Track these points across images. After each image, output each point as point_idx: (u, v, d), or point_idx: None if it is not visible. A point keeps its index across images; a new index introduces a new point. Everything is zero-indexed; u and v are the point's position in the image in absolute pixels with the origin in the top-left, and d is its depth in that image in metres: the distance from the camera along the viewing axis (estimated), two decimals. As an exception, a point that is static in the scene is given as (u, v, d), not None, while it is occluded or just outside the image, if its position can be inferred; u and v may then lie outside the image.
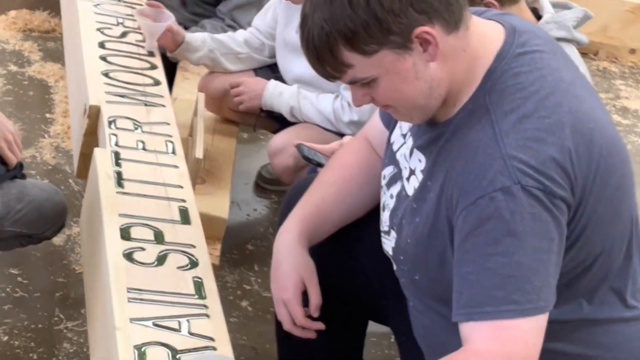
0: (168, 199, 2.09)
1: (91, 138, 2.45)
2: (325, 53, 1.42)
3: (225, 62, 3.04)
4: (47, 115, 3.42)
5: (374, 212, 1.82)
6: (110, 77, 2.59)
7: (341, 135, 2.83)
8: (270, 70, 3.07)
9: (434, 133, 1.53)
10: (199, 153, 2.49)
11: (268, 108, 2.91)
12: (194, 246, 1.95)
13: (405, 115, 1.52)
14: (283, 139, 2.79)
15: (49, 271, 2.58)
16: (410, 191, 1.59)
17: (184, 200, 2.10)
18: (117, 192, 2.06)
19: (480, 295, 1.39)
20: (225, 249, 2.78)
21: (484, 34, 1.48)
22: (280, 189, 3.32)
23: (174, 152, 2.30)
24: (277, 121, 2.96)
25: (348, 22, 1.39)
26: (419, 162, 1.57)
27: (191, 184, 2.24)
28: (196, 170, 2.48)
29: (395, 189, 1.65)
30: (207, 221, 2.57)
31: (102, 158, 2.18)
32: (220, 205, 2.65)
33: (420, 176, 1.56)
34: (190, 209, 2.08)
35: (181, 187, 2.16)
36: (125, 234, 1.92)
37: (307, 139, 2.76)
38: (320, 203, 1.77)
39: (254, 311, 2.67)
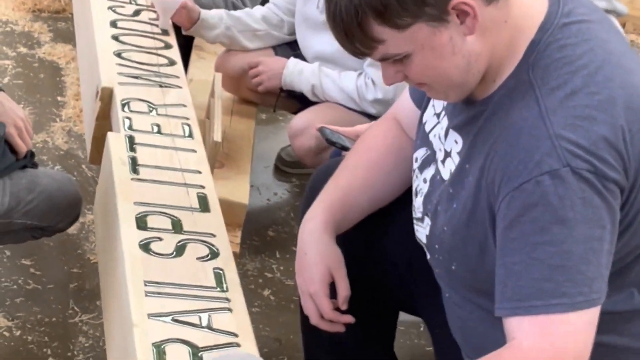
0: (186, 185, 2.01)
1: (104, 122, 2.37)
2: (354, 28, 1.33)
3: (243, 39, 2.95)
4: (59, 98, 3.34)
5: (403, 197, 1.73)
6: (123, 58, 2.51)
7: (366, 114, 2.74)
8: (290, 48, 2.98)
9: (472, 112, 1.43)
10: (217, 136, 2.41)
11: (288, 87, 2.82)
12: (214, 235, 1.87)
13: (440, 93, 1.43)
14: (304, 120, 2.70)
15: (63, 261, 2.50)
16: (446, 175, 1.50)
17: (202, 187, 2.02)
18: (132, 179, 1.98)
19: (527, 287, 1.30)
20: (245, 236, 2.70)
21: (526, 3, 1.38)
22: (301, 172, 3.24)
23: (191, 136, 2.21)
24: (298, 101, 2.87)
25: None
26: (455, 143, 1.47)
27: (210, 168, 2.16)
28: (215, 154, 2.40)
29: (429, 173, 1.55)
30: (227, 207, 2.49)
31: (115, 143, 2.10)
32: (240, 191, 2.57)
33: (456, 159, 1.47)
34: (210, 196, 1.99)
35: (199, 172, 2.07)
36: (141, 223, 1.84)
37: (330, 119, 2.68)
38: (347, 189, 1.68)
39: (276, 300, 2.59)
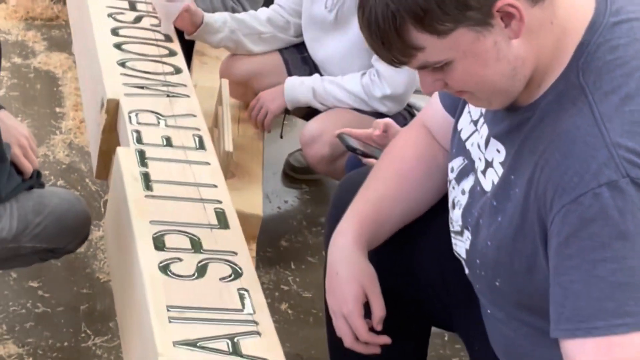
0: (202, 200, 1.93)
1: (110, 135, 2.29)
2: (392, 36, 1.26)
3: (248, 43, 2.88)
4: (57, 109, 3.26)
5: (435, 207, 1.67)
6: (127, 67, 2.43)
7: (379, 114, 2.67)
8: (297, 50, 2.91)
9: (516, 119, 1.36)
10: (228, 146, 2.34)
11: (293, 103, 2.75)
12: (235, 253, 1.79)
13: (483, 101, 1.35)
14: (317, 127, 2.63)
15: (72, 282, 2.42)
16: (487, 186, 1.43)
17: (219, 202, 1.94)
18: (146, 196, 1.90)
19: (587, 307, 1.23)
20: (258, 247, 2.62)
21: (572, 3, 1.31)
22: (311, 178, 3.17)
23: (203, 147, 2.13)
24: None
25: None
26: (497, 153, 1.40)
27: (223, 177, 2.08)
28: (227, 164, 2.33)
29: (468, 184, 1.48)
30: (241, 219, 2.38)
31: (126, 158, 2.02)
32: (253, 201, 2.49)
33: (499, 169, 1.40)
34: (228, 211, 1.92)
35: (215, 186, 2.00)
36: (159, 244, 1.77)
37: (343, 124, 2.60)
38: (378, 202, 1.61)
39: (294, 314, 2.52)
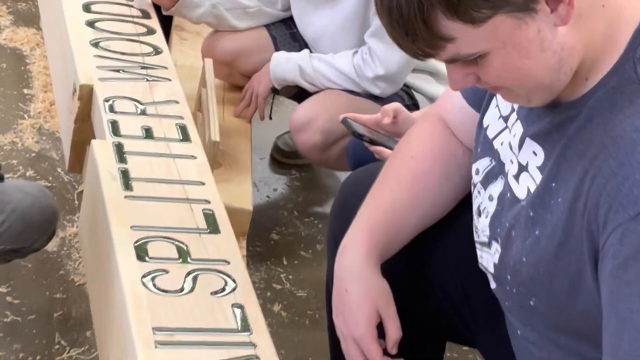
0: (189, 200, 1.77)
1: (84, 124, 2.12)
2: (417, 25, 1.10)
3: (232, 18, 2.70)
4: (25, 91, 3.07)
5: (455, 211, 1.51)
6: (100, 47, 2.25)
7: (372, 96, 2.51)
8: (286, 26, 2.73)
9: (557, 117, 1.20)
10: (214, 135, 2.17)
11: (279, 82, 2.58)
12: (227, 262, 1.63)
13: (522, 97, 1.19)
14: (307, 112, 2.46)
15: (44, 286, 2.25)
16: (521, 194, 1.27)
17: (208, 202, 1.78)
18: (126, 197, 1.73)
19: (650, 341, 1.08)
20: (247, 240, 2.46)
21: (626, -18, 1.15)
22: (301, 163, 3.01)
23: (187, 139, 1.97)
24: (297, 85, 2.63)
25: None
26: (533, 155, 1.24)
27: (210, 172, 1.92)
28: (213, 155, 2.16)
29: (496, 189, 1.33)
30: (230, 214, 2.24)
31: (102, 153, 1.85)
32: (242, 194, 2.33)
33: (537, 175, 1.24)
34: (218, 213, 1.76)
35: (202, 183, 1.83)
36: (141, 253, 1.60)
37: (336, 108, 2.45)
38: (391, 207, 1.45)
39: (288, 316, 2.36)
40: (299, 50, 2.65)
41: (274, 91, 2.62)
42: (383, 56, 2.41)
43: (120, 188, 1.76)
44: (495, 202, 1.32)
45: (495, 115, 1.34)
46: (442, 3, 1.07)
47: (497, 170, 1.33)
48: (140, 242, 1.63)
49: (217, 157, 2.45)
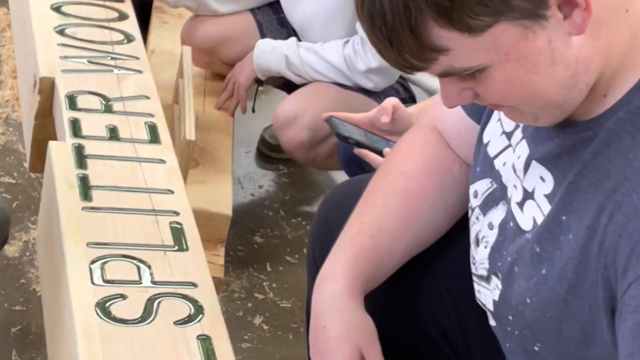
0: (155, 212, 1.62)
1: (45, 120, 1.96)
2: (405, 35, 0.94)
3: (213, 1, 2.55)
4: (-8, 76, 2.91)
5: (449, 232, 1.36)
6: (66, 35, 2.10)
7: (364, 90, 2.35)
8: (272, 10, 2.57)
9: (571, 139, 1.05)
10: (190, 133, 2.02)
11: (263, 72, 2.42)
12: (194, 285, 1.48)
13: (528, 116, 1.04)
14: (293, 107, 2.31)
15: (2, 296, 2.10)
16: (526, 224, 1.12)
17: (176, 213, 1.63)
18: (84, 208, 1.58)
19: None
20: (227, 244, 2.30)
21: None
22: (288, 157, 2.84)
23: (157, 140, 1.81)
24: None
25: None
26: (541, 181, 1.09)
27: (183, 180, 1.77)
28: (188, 156, 2.01)
29: (497, 216, 1.17)
30: (206, 220, 2.11)
31: (59, 156, 1.70)
32: (221, 197, 2.18)
33: (545, 204, 1.08)
34: (187, 226, 1.61)
35: (171, 192, 1.68)
36: (97, 274, 1.45)
37: (324, 102, 2.30)
38: (376, 232, 1.30)
39: (270, 330, 2.21)
40: (287, 36, 2.49)
41: (258, 82, 2.47)
42: (376, 47, 2.25)
43: (77, 198, 1.60)
44: (496, 231, 1.17)
45: (496, 130, 1.19)
46: (432, 8, 0.92)
47: (499, 195, 1.18)
48: (96, 262, 1.48)
49: (195, 155, 2.30)
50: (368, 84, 2.32)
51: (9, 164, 2.53)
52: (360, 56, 2.28)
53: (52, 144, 1.73)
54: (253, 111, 2.57)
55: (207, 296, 1.47)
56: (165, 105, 2.37)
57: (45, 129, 1.96)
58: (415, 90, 2.48)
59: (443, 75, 1.00)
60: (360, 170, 1.89)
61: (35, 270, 2.19)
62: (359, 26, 2.27)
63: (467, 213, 1.30)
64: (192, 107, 2.10)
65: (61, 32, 2.10)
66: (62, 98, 1.86)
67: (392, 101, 1.87)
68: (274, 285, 2.35)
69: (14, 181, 2.45)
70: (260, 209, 2.63)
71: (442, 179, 1.32)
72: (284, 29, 2.52)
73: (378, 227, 1.30)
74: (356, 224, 1.31)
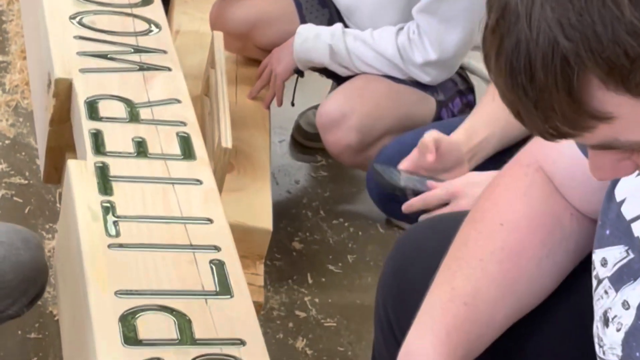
0: (192, 247, 1.42)
1: (61, 127, 1.77)
2: (558, 97, 0.74)
3: (245, -23, 2.31)
4: (0, 57, 2.69)
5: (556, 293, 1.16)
6: (83, 25, 1.89)
7: (418, 84, 2.13)
8: (317, -8, 2.34)
9: None
10: (226, 140, 1.81)
11: (304, 62, 2.20)
12: (242, 343, 1.29)
13: None
14: (338, 105, 2.10)
15: (15, 323, 1.90)
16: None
17: (216, 249, 1.43)
18: (110, 246, 1.39)
19: None
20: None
21: None
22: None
23: (191, 155, 1.61)
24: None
25: (620, 34, 0.69)
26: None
27: (219, 195, 1.56)
28: (223, 164, 1.80)
29: (634, 294, 0.97)
30: (243, 234, 1.91)
31: (80, 179, 1.50)
32: (260, 208, 1.97)
33: None
34: (230, 265, 1.41)
35: (209, 221, 1.48)
36: (128, 332, 1.26)
37: (375, 100, 2.10)
38: (472, 298, 1.10)
39: (315, 355, 2.03)
40: (328, 19, 2.27)
41: (297, 73, 2.25)
42: (436, 37, 2.02)
43: (103, 232, 1.41)
44: (633, 312, 0.97)
45: (636, 187, 0.98)
46: (602, 67, 0.71)
47: (638, 268, 0.97)
48: (127, 315, 1.29)
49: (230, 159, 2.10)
50: (424, 78, 2.10)
51: (19, 161, 2.32)
52: (417, 47, 2.06)
53: (71, 163, 1.53)
54: (292, 105, 2.36)
55: (259, 356, 1.27)
56: (194, 97, 2.18)
57: (61, 136, 1.77)
58: (473, 80, 2.26)
59: (600, 147, 0.79)
60: (399, 205, 1.67)
61: (52, 289, 1.99)
62: (415, 11, 2.04)
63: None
64: (227, 106, 1.89)
65: (79, 22, 1.89)
66: (81, 104, 1.66)
67: (432, 135, 1.64)
68: (317, 300, 2.15)
69: (26, 182, 2.25)
70: (297, 208, 2.43)
71: (549, 233, 1.12)
72: (326, 10, 2.30)
73: (473, 293, 1.10)
74: (446, 289, 1.10)
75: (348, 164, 2.19)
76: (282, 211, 2.40)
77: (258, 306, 1.86)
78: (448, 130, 1.82)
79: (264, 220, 1.94)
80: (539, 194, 1.13)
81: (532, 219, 1.12)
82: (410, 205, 1.57)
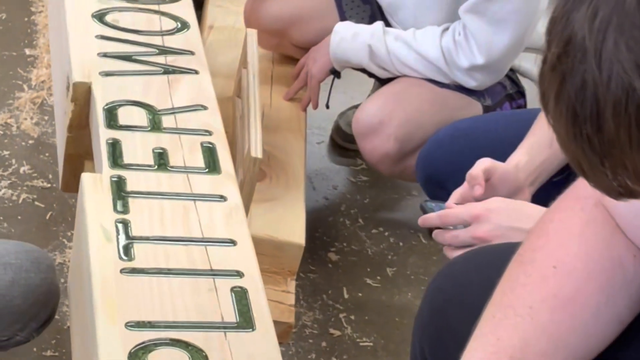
0: (212, 273, 1.32)
1: (81, 133, 1.68)
2: (632, 149, 0.64)
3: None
4: (27, 50, 2.61)
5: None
6: (105, 23, 1.79)
7: (462, 89, 2.01)
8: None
9: None
10: (256, 149, 1.70)
11: (341, 63, 2.09)
12: (264, 383, 1.18)
13: None
14: (377, 110, 2.00)
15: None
16: None
17: (239, 274, 1.33)
18: (123, 271, 1.29)
19: None
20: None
21: None
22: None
23: (215, 169, 1.51)
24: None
25: None
26: None
27: (247, 221, 1.46)
28: (252, 177, 1.69)
29: None
30: (274, 249, 1.82)
31: (93, 195, 1.40)
32: (293, 221, 1.86)
33: None
34: (253, 294, 1.30)
35: (232, 242, 1.37)
36: (138, 370, 1.16)
37: (415, 106, 1.99)
38: (519, 352, 0.99)
39: (350, 377, 1.92)
40: (370, 15, 2.16)
41: (334, 73, 2.14)
42: (484, 39, 1.90)
43: (115, 254, 1.31)
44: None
45: None
46: None
47: None
48: (137, 351, 1.19)
49: (261, 165, 1.99)
50: (470, 83, 1.98)
51: (43, 162, 2.23)
52: (463, 50, 1.93)
53: (85, 177, 1.44)
54: (327, 107, 2.25)
55: (280, 400, 1.17)
56: (226, 98, 2.08)
57: (80, 143, 1.68)
58: (524, 83, 2.13)
59: None
60: (443, 191, 1.56)
61: (68, 301, 1.91)
62: (463, 10, 1.92)
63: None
64: (259, 112, 1.78)
65: (100, 19, 1.79)
66: (100, 111, 1.56)
67: (482, 165, 1.50)
68: (352, 317, 2.04)
69: (49, 185, 2.16)
70: (335, 216, 2.32)
71: (609, 277, 1.00)
72: (367, 6, 2.18)
73: (521, 346, 0.98)
74: (491, 340, 0.99)
75: (386, 173, 2.08)
76: (318, 219, 2.29)
77: (288, 328, 1.76)
78: (508, 122, 1.70)
79: (297, 234, 1.83)
80: (597, 232, 1.01)
81: (590, 261, 1.00)
82: (426, 219, 1.45)
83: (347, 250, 2.23)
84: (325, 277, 2.14)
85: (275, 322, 1.36)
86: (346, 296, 2.10)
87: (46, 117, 2.37)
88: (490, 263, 1.07)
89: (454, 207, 1.44)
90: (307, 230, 1.88)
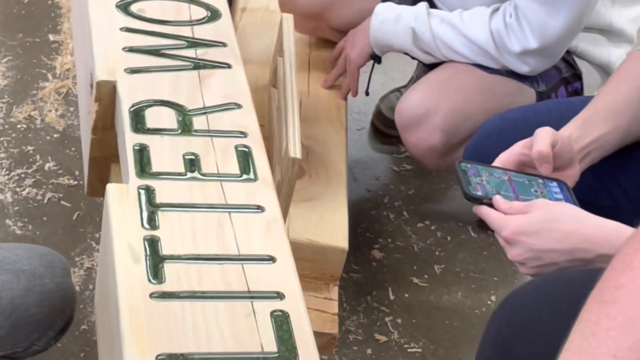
0: (250, 295, 1.23)
1: (106, 134, 1.58)
2: None
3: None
4: (51, 36, 2.52)
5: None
6: (131, 14, 1.69)
7: (514, 74, 1.90)
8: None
9: None
10: (294, 149, 1.60)
11: (382, 47, 1.98)
12: (309, 421, 1.09)
13: None
14: (422, 100, 1.89)
15: (58, 350, 1.74)
16: None
17: (280, 296, 1.23)
18: (153, 295, 1.20)
19: None
20: (339, 261, 1.91)
21: None
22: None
23: (251, 175, 1.40)
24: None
25: None
26: None
27: (286, 232, 1.36)
28: (291, 179, 1.60)
29: None
30: (315, 254, 1.73)
31: (120, 209, 1.31)
32: (335, 224, 1.76)
33: None
34: (295, 319, 1.21)
35: (272, 260, 1.28)
36: (171, 411, 1.07)
37: (463, 95, 1.89)
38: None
39: (398, 386, 1.83)
40: (413, -1, 2.04)
41: (374, 58, 2.03)
42: (537, 22, 1.78)
43: (144, 277, 1.22)
44: None
45: None
46: None
47: None
48: (169, 386, 1.10)
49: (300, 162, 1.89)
50: (522, 68, 1.86)
51: (69, 158, 2.15)
52: (515, 33, 1.82)
53: (110, 188, 1.34)
54: (367, 94, 2.14)
55: None
56: (260, 87, 1.98)
57: (106, 146, 1.59)
58: (581, 66, 2.01)
59: None
60: None
61: (87, 301, 1.82)
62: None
63: None
64: (297, 106, 1.68)
65: (125, 9, 1.70)
66: (125, 113, 1.47)
67: (547, 137, 1.40)
68: (399, 320, 1.95)
69: (75, 182, 2.08)
70: (378, 209, 2.22)
71: None
72: (411, -13, 2.07)
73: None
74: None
75: (432, 167, 1.97)
76: (361, 213, 2.20)
77: (332, 340, 1.67)
78: (561, 112, 1.60)
79: (339, 237, 1.73)
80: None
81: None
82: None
83: (391, 247, 2.13)
84: (369, 277, 2.04)
85: (317, 334, 1.27)
86: (392, 297, 2.00)
87: (72, 109, 2.29)
88: (563, 295, 0.97)
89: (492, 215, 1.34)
90: (349, 227, 1.78)
